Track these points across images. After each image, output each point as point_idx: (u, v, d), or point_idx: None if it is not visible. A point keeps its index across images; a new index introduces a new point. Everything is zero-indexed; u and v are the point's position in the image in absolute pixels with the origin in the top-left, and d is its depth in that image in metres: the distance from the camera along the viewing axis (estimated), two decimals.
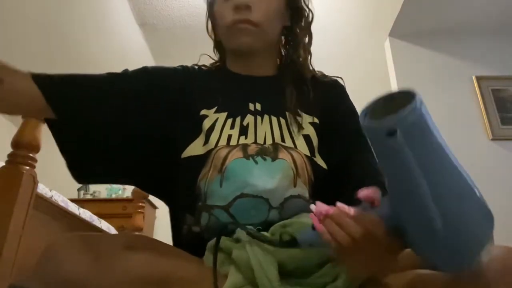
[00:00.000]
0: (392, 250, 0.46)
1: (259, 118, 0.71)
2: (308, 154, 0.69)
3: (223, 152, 0.66)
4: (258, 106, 0.72)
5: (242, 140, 0.68)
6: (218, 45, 0.83)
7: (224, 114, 0.71)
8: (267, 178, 0.64)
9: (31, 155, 1.15)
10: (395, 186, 0.43)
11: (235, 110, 0.71)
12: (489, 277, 0.42)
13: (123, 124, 0.70)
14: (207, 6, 0.81)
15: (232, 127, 0.69)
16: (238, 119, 0.70)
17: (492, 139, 2.10)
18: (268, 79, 0.78)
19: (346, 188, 0.64)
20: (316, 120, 0.74)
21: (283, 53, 0.82)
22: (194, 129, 0.70)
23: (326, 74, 0.83)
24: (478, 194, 0.40)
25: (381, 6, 2.39)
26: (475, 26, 2.32)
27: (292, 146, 0.69)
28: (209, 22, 0.82)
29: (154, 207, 3.28)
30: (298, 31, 0.79)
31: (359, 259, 0.46)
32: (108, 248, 0.52)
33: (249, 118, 0.71)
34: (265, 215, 0.63)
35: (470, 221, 0.40)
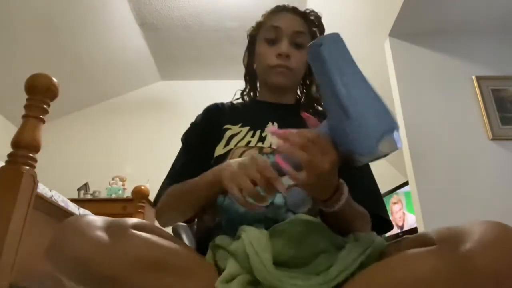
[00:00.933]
0: (331, 155, 0.58)
1: None
2: None
3: (241, 150, 0.83)
4: (276, 125, 0.89)
5: (259, 145, 0.84)
6: (250, 75, 1.05)
7: (247, 128, 0.88)
8: None
9: (31, 155, 1.15)
10: (324, 90, 0.60)
11: (257, 125, 0.88)
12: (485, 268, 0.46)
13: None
14: (248, 44, 1.04)
15: (252, 136, 0.86)
16: (258, 132, 0.87)
17: (492, 139, 2.10)
18: (288, 106, 0.98)
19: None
20: None
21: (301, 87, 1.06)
22: (218, 138, 0.88)
23: None
24: (377, 95, 0.56)
25: (381, 6, 2.39)
26: (475, 26, 2.32)
27: None
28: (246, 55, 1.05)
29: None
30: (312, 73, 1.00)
31: (309, 168, 0.57)
32: (116, 229, 0.57)
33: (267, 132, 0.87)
34: (272, 197, 0.73)
35: (370, 111, 0.55)
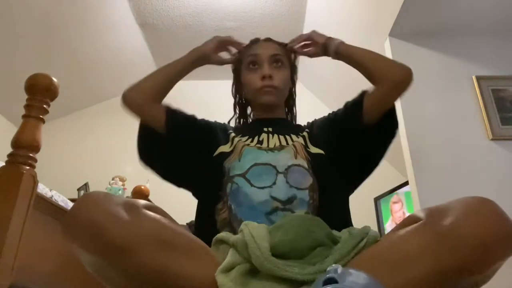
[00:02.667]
0: None
1: (271, 135, 1.01)
2: (304, 144, 0.98)
3: (241, 143, 0.97)
4: (270, 130, 1.03)
5: (258, 145, 0.97)
6: (240, 104, 1.20)
7: (246, 137, 1.01)
8: (274, 156, 0.91)
9: (31, 155, 1.15)
10: None
11: (254, 133, 1.02)
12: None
13: (196, 141, 1.03)
14: (234, 76, 1.19)
15: (251, 141, 0.99)
16: (256, 137, 1.00)
17: (492, 139, 2.10)
18: (279, 119, 1.11)
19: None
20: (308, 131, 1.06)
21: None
22: (225, 140, 1.01)
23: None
24: None
25: (381, 6, 2.39)
26: (475, 26, 2.32)
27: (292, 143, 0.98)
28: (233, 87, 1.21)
29: None
30: (294, 93, 1.21)
31: None
32: (131, 206, 0.61)
33: (264, 136, 1.01)
34: (273, 179, 0.85)
35: None
